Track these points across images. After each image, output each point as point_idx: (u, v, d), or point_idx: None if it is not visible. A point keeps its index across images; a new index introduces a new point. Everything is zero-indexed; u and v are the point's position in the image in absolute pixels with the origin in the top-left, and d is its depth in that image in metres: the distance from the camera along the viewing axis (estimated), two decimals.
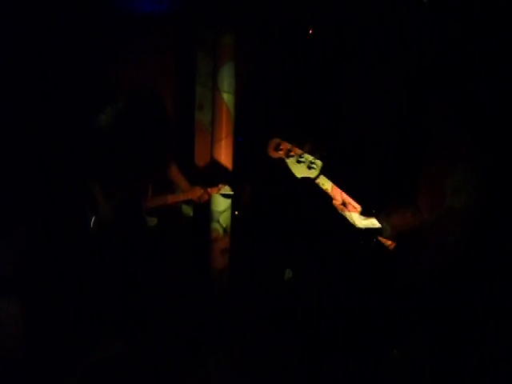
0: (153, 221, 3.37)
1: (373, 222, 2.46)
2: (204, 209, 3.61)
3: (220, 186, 3.31)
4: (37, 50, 3.22)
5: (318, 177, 2.44)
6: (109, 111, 3.41)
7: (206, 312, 3.34)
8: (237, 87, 3.61)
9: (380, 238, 2.50)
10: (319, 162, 2.43)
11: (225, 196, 3.51)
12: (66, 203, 3.23)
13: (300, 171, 2.42)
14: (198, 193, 3.29)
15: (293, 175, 2.44)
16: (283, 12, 3.68)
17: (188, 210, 3.87)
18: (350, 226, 2.56)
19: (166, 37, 3.70)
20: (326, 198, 2.53)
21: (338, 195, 2.48)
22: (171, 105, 3.82)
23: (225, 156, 3.72)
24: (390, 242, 2.50)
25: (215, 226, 3.64)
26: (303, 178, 2.45)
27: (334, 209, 2.52)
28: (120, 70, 3.56)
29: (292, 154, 2.41)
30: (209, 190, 3.30)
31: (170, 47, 3.72)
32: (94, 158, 3.26)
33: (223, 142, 3.71)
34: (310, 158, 2.42)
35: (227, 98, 3.60)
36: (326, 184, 2.46)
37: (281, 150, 2.42)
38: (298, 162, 2.42)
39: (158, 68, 3.68)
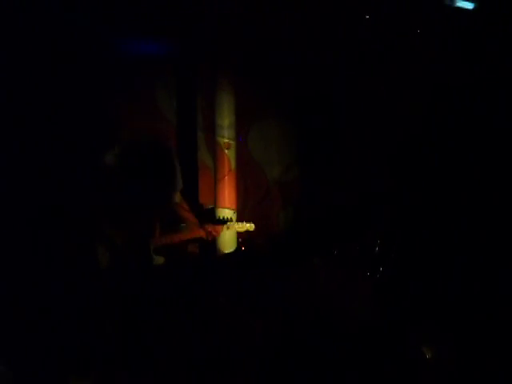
0: (159, 259, 3.36)
1: None
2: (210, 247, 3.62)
3: (228, 223, 3.32)
4: (43, 94, 3.30)
5: None
6: (114, 152, 3.47)
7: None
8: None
9: None
10: None
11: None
12: (75, 241, 3.25)
13: None
14: (206, 230, 3.29)
15: None
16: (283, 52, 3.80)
17: (194, 250, 3.87)
18: None
19: (167, 81, 3.80)
20: None
21: None
22: (174, 145, 3.87)
23: (228, 192, 3.77)
24: None
25: None
26: None
27: None
28: (124, 112, 3.63)
29: None
30: (217, 227, 3.31)
31: (171, 90, 3.82)
32: (101, 198, 3.29)
33: (226, 180, 3.77)
34: None
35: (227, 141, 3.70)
36: None
37: None
38: None
39: (160, 110, 3.76)
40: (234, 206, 3.72)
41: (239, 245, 3.78)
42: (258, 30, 3.59)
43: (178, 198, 3.52)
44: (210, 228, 3.31)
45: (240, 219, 3.60)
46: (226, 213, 3.68)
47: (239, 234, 3.75)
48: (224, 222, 3.37)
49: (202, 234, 3.32)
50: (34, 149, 3.31)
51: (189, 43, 3.70)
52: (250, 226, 3.29)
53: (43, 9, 3.17)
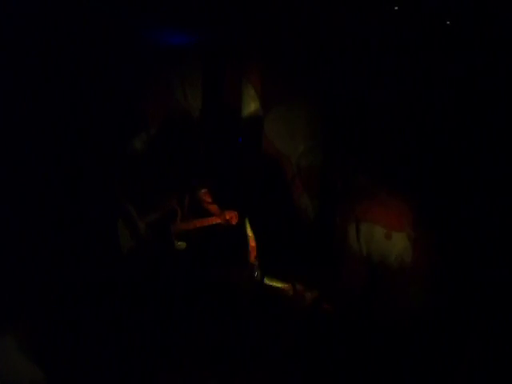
0: (181, 245, 3.38)
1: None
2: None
3: None
4: (73, 83, 3.38)
5: None
6: (141, 137, 3.54)
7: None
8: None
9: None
10: None
11: None
12: (102, 224, 3.30)
13: None
14: (226, 216, 3.31)
15: None
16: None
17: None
18: None
19: (195, 68, 3.85)
20: None
21: None
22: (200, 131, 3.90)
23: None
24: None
25: None
26: None
27: None
28: (151, 101, 3.69)
29: None
30: (234, 213, 3.31)
31: (197, 78, 3.86)
32: (128, 182, 3.35)
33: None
34: None
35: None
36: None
37: None
38: None
39: (186, 99, 3.80)
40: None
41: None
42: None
43: (202, 188, 3.56)
44: (228, 215, 3.32)
45: None
46: None
47: None
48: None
49: (220, 220, 3.33)
50: (63, 134, 3.38)
51: (216, 34, 3.75)
52: None
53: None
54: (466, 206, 2.92)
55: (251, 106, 3.78)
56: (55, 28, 3.22)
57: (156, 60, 3.74)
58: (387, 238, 2.42)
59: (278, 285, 2.89)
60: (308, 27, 3.67)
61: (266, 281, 2.94)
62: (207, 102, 3.78)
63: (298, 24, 3.66)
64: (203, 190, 3.51)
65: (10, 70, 3.03)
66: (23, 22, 3.01)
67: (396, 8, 3.58)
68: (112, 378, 2.56)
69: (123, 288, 3.11)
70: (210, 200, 3.48)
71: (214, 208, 3.46)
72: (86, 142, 3.40)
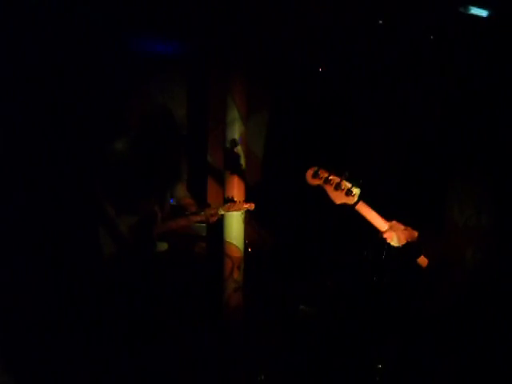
0: (163, 246, 3.22)
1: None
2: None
3: (229, 204, 3.16)
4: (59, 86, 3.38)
5: (356, 203, 2.43)
6: (122, 139, 3.47)
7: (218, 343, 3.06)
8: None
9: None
10: (357, 190, 2.43)
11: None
12: (80, 228, 3.19)
13: (339, 198, 2.43)
14: (205, 214, 3.16)
15: (331, 202, 2.45)
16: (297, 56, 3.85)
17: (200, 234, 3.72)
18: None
19: (179, 77, 3.88)
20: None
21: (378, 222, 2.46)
22: (183, 139, 3.87)
23: (237, 191, 3.68)
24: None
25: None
26: (342, 204, 2.45)
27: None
28: (134, 105, 3.68)
29: (330, 181, 2.43)
30: (220, 208, 3.17)
31: (182, 86, 3.88)
32: (108, 183, 3.25)
33: (235, 179, 3.69)
34: (348, 185, 2.42)
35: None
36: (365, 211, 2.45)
37: (319, 177, 2.45)
38: (336, 188, 2.42)
39: (170, 105, 3.80)
40: (242, 199, 3.59)
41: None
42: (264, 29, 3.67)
43: (183, 191, 3.46)
44: (209, 211, 3.17)
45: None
46: None
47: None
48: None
49: (201, 218, 3.19)
50: (43, 134, 3.34)
51: (201, 43, 3.80)
52: (249, 206, 3.09)
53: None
54: None
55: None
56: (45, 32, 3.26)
57: (142, 67, 3.78)
58: None
59: None
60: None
61: None
62: (191, 108, 3.79)
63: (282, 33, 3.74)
64: (184, 193, 3.41)
65: None
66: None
67: (380, 22, 3.68)
68: None
69: (107, 291, 2.98)
70: (190, 200, 3.36)
71: (193, 206, 3.33)
72: (66, 142, 3.35)
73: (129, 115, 3.58)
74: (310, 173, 2.46)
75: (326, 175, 2.43)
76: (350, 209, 2.44)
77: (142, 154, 3.44)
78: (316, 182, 2.45)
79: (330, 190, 2.43)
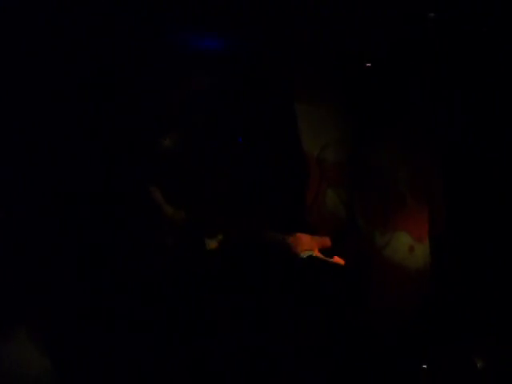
0: (211, 244, 3.24)
1: None
2: None
3: None
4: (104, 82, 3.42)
5: None
6: (172, 136, 3.50)
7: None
8: None
9: None
10: None
11: None
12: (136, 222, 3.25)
13: None
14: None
15: None
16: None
17: None
18: None
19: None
20: None
21: None
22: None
23: None
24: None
25: None
26: None
27: None
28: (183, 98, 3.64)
29: None
30: None
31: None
32: (160, 180, 3.29)
33: None
34: None
35: None
36: None
37: None
38: None
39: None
40: None
41: None
42: None
43: None
44: None
45: None
46: None
47: None
48: None
49: None
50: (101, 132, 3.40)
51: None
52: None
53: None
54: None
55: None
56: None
57: (194, 67, 3.72)
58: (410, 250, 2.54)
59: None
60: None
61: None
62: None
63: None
64: None
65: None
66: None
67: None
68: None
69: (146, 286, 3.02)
70: None
71: None
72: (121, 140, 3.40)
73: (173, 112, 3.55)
74: None
75: None
76: None
77: (193, 152, 3.46)
78: None
79: None
